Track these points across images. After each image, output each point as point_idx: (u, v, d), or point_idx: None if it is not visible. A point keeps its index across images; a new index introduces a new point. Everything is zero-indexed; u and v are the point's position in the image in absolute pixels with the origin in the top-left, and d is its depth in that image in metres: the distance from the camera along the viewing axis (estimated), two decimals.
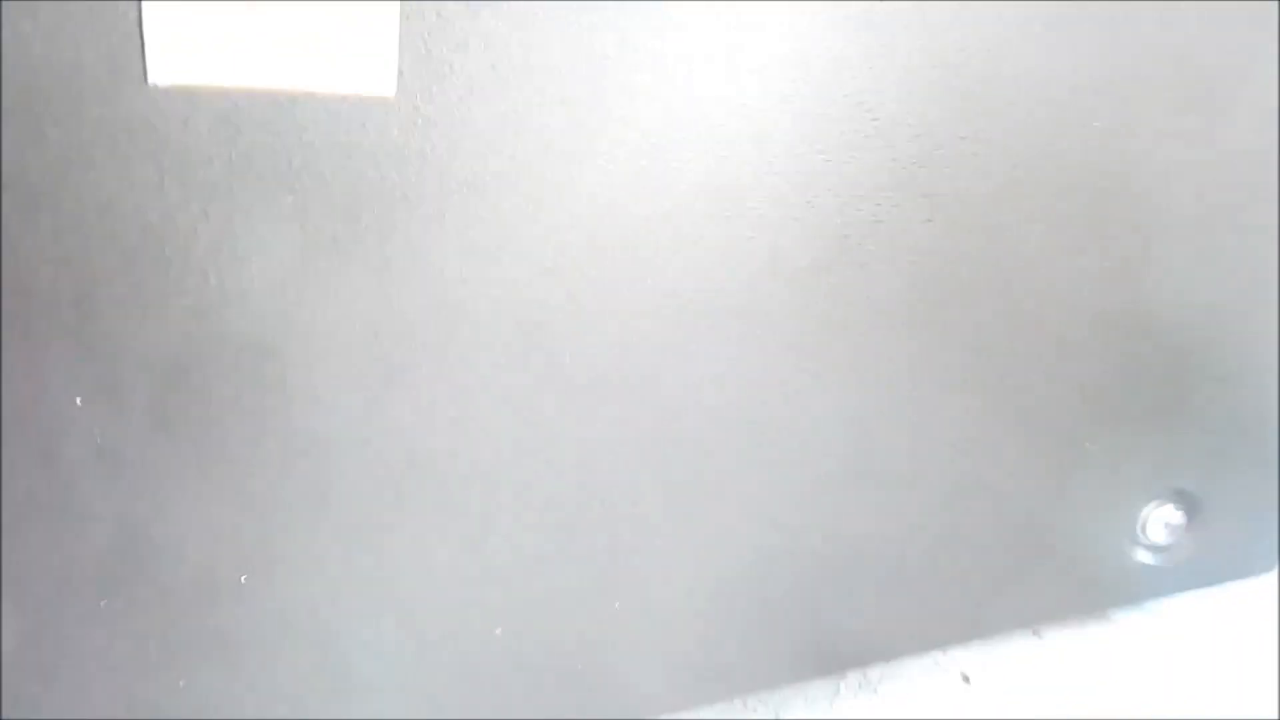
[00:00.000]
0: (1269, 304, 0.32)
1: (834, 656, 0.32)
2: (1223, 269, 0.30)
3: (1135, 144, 0.28)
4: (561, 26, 0.22)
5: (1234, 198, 0.30)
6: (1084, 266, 0.28)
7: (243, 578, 0.24)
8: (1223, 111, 0.28)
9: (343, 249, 0.22)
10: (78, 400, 0.22)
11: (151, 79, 0.20)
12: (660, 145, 0.24)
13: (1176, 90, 0.28)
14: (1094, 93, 0.27)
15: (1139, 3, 0.26)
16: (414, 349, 0.24)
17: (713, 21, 0.23)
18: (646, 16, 0.23)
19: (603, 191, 0.24)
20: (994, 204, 0.27)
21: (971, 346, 0.28)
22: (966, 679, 0.34)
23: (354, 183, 0.22)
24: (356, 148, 0.22)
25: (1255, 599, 0.37)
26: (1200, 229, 0.30)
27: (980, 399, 0.29)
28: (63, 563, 0.23)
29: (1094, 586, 0.34)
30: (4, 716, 0.22)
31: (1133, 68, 0.27)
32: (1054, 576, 0.33)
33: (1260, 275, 0.31)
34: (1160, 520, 0.33)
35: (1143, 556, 0.34)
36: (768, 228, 0.25)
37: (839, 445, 0.28)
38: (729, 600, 0.29)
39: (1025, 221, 0.27)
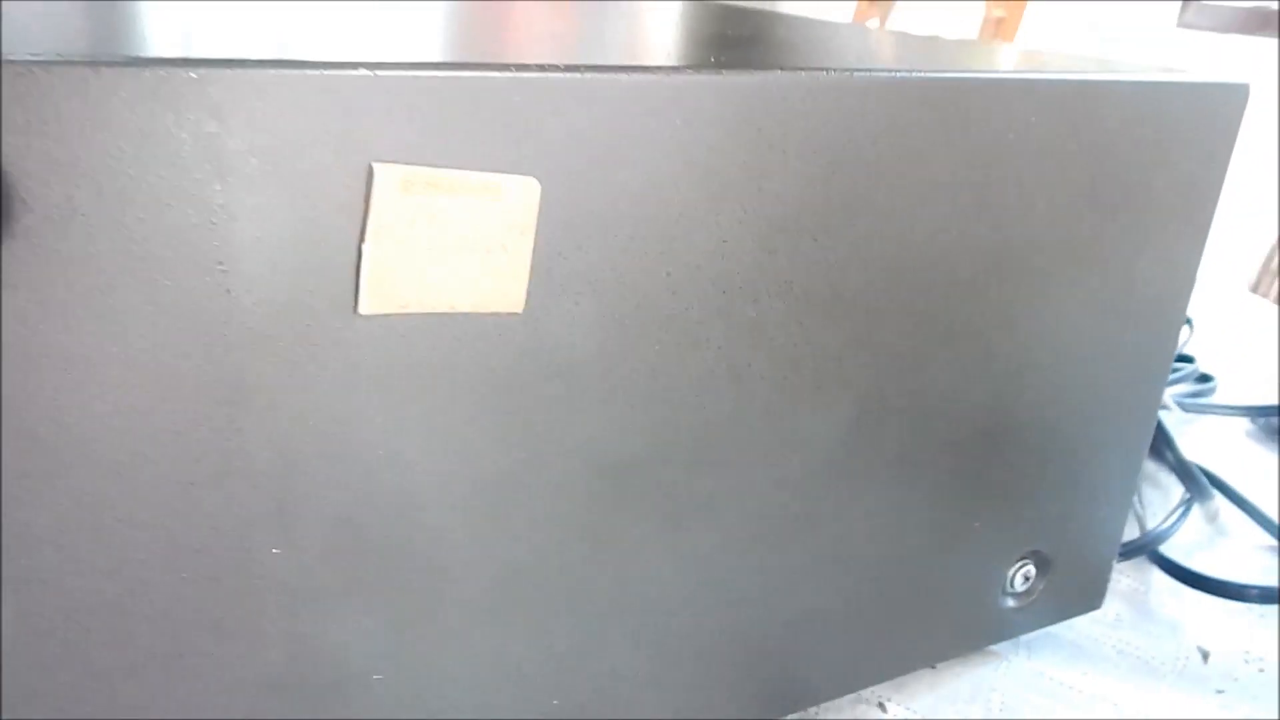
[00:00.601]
0: (1110, 393, 0.42)
1: (782, 700, 0.41)
2: (1076, 375, 0.40)
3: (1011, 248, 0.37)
4: None
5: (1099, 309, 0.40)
6: (961, 369, 0.37)
7: (375, 676, 0.31)
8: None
9: (482, 432, 0.29)
10: (274, 550, 0.28)
11: (361, 310, 0.27)
12: None
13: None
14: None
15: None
16: (527, 511, 0.31)
17: None
18: None
19: None
20: (867, 298, 0.33)
21: (875, 445, 0.37)
22: (883, 707, 0.43)
23: (490, 381, 0.29)
24: (494, 352, 0.29)
25: (1087, 629, 0.48)
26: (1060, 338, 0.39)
27: (889, 485, 0.38)
28: (244, 675, 0.29)
29: (975, 627, 0.44)
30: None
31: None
32: (944, 622, 0.43)
33: (1101, 375, 0.41)
34: (1021, 574, 0.44)
35: (1010, 602, 0.44)
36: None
37: (776, 522, 0.36)
38: (693, 654, 0.37)
39: (901, 318, 0.34)
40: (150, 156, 0.22)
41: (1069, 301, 0.38)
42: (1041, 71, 0.35)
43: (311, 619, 0.29)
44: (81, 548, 0.25)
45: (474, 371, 0.28)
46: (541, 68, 0.26)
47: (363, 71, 0.24)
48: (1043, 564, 0.44)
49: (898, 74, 0.32)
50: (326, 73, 0.24)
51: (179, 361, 0.24)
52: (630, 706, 0.35)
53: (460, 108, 0.25)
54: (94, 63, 0.21)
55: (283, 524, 0.27)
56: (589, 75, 0.27)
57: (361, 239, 0.26)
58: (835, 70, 0.30)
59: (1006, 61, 0.39)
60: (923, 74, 0.32)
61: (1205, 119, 0.38)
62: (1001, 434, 0.39)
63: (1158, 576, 0.51)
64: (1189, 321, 0.80)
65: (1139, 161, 0.37)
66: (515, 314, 0.29)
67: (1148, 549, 0.51)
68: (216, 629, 0.27)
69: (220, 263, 0.24)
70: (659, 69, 0.28)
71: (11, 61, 0.20)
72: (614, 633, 0.34)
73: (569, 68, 0.27)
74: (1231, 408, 0.69)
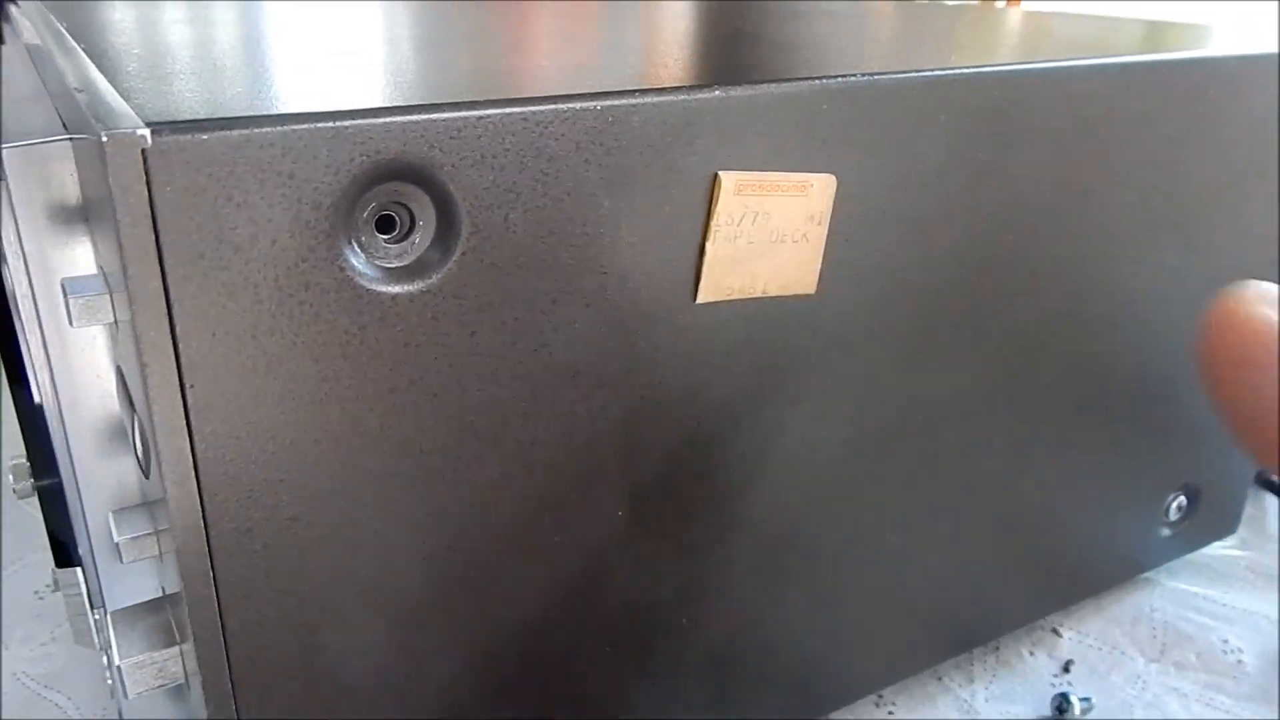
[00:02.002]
0: None
1: (974, 635, 0.45)
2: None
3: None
4: None
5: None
6: (1128, 331, 0.41)
7: (684, 620, 0.35)
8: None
9: (783, 401, 0.33)
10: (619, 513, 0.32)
11: (698, 299, 0.30)
12: None
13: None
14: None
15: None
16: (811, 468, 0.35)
17: None
18: None
19: None
20: (1067, 269, 0.38)
21: (1067, 402, 0.41)
22: (1057, 632, 0.48)
23: (787, 354, 0.33)
24: (791, 330, 0.33)
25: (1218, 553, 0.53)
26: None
27: (1077, 435, 0.42)
28: (590, 626, 0.33)
29: (1136, 556, 0.49)
30: None
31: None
32: (1111, 553, 0.47)
33: None
34: (1176, 505, 0.48)
35: (1165, 532, 0.49)
36: None
37: (992, 474, 0.40)
38: (919, 596, 0.40)
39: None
40: (559, 179, 0.26)
41: (1197, 262, 0.42)
42: (1177, 51, 0.39)
43: (647, 575, 0.32)
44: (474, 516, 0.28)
45: (776, 347, 0.32)
46: (844, 76, 0.30)
47: (716, 93, 0.28)
48: (1192, 495, 0.48)
49: (1118, 60, 0.35)
50: (685, 96, 0.27)
51: (566, 353, 0.28)
52: (868, 645, 0.39)
53: (782, 116, 0.29)
54: (527, 101, 0.25)
55: (629, 485, 0.31)
56: (879, 79, 0.30)
57: (704, 238, 0.29)
58: (1062, 62, 0.34)
59: (1131, 40, 0.43)
60: (1128, 59, 0.36)
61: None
62: (1158, 381, 0.43)
63: (1270, 501, 0.56)
64: None
65: (1233, 132, 0.41)
66: (810, 295, 0.32)
67: (1259, 478, 0.56)
68: (563, 580, 0.31)
69: (602, 267, 0.28)
70: (928, 70, 0.32)
71: (458, 111, 0.24)
72: (874, 579, 0.38)
73: (866, 74, 0.30)
74: None
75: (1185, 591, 0.49)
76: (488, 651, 0.30)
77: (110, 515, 0.28)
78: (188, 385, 0.22)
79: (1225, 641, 0.46)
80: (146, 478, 0.26)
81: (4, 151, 0.26)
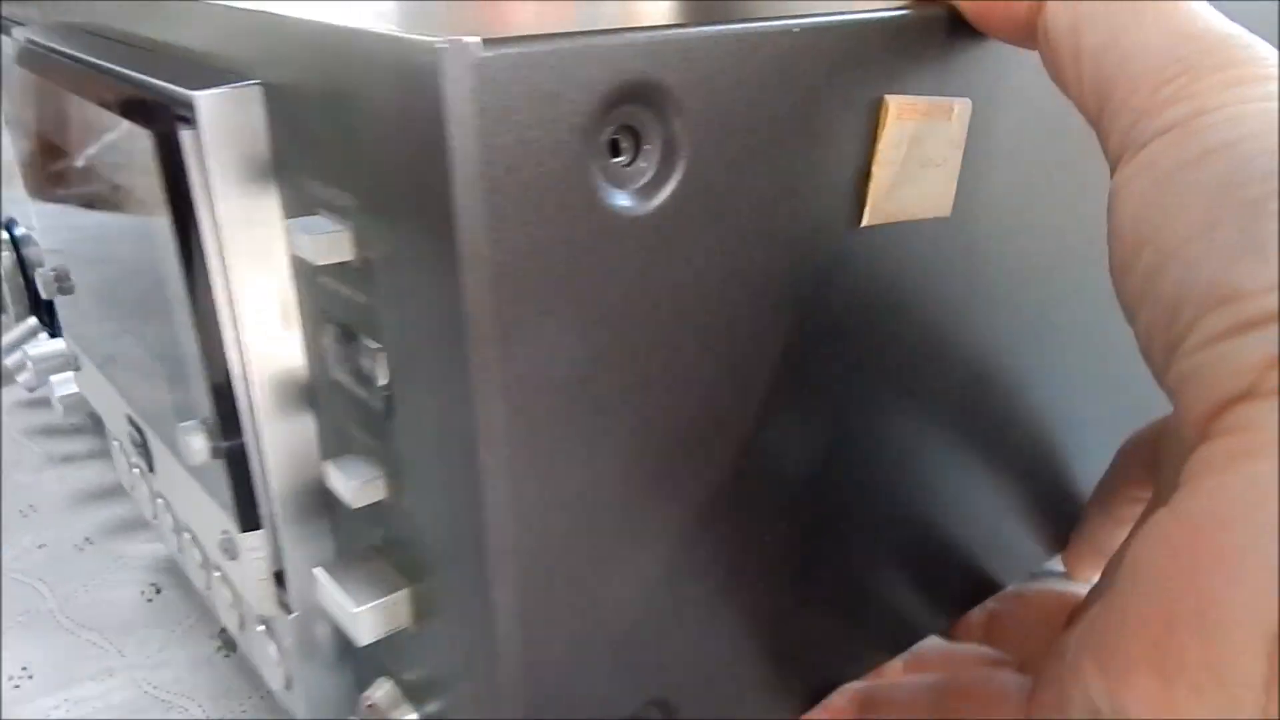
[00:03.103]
0: None
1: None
2: None
3: None
4: None
5: None
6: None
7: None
8: None
9: (925, 318, 0.35)
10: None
11: (863, 223, 0.31)
12: None
13: None
14: None
15: None
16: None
17: None
18: None
19: None
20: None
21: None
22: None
23: (928, 273, 0.34)
24: (929, 251, 0.34)
25: None
26: None
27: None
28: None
29: None
30: None
31: None
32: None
33: None
34: None
35: None
36: None
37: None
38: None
39: None
40: (761, 103, 0.27)
41: None
42: None
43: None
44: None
45: (919, 267, 0.33)
46: None
47: (876, 14, 0.29)
48: None
49: None
50: (863, 17, 0.28)
51: (761, 277, 0.29)
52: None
53: (924, 41, 0.30)
54: (741, 20, 0.26)
55: (805, 394, 0.32)
56: None
57: (870, 163, 0.31)
58: None
59: None
60: None
61: None
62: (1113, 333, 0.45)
63: None
64: None
65: None
66: (945, 218, 0.34)
67: None
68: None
69: (794, 193, 0.29)
70: None
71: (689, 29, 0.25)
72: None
73: None
74: None
75: None
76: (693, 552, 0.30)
77: (330, 464, 0.28)
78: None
79: None
80: (387, 418, 0.26)
81: (198, 98, 0.26)
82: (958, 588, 0.42)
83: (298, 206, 0.27)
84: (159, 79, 0.27)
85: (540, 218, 0.23)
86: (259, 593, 0.32)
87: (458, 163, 0.21)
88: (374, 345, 0.26)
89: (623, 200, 0.24)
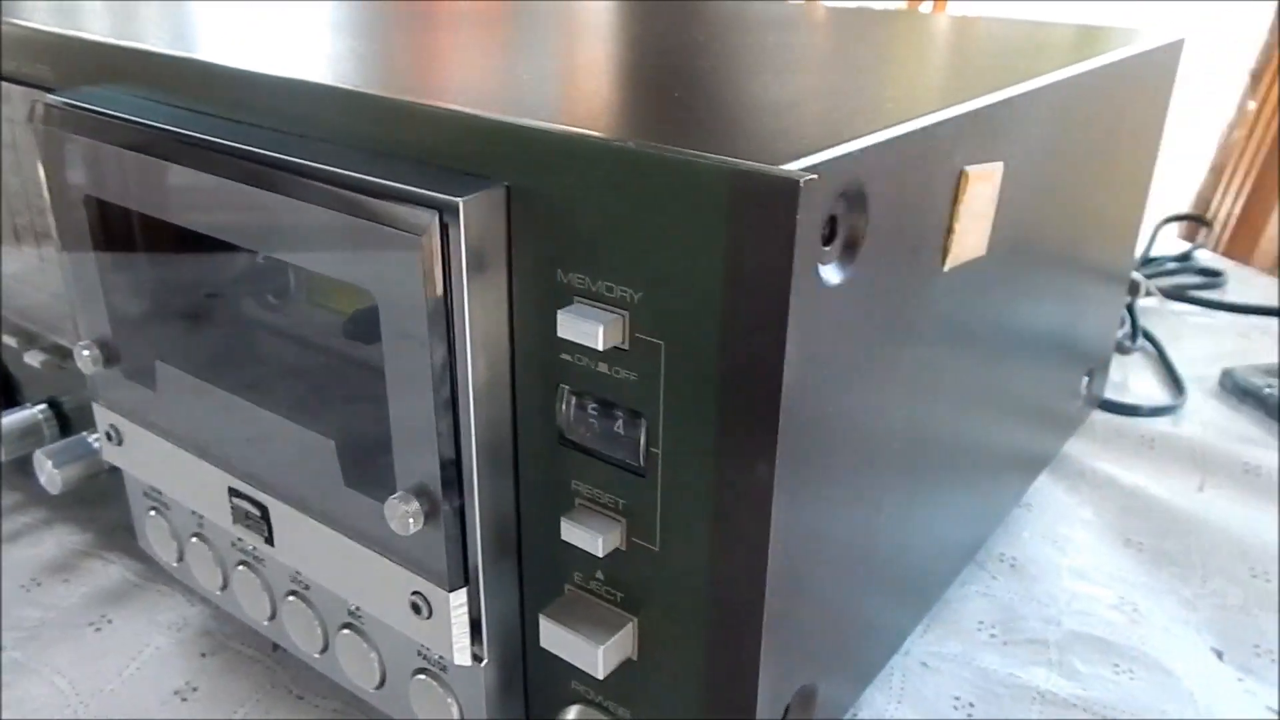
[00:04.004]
0: None
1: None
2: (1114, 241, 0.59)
3: None
4: None
5: None
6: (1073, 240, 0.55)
7: None
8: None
9: (976, 340, 0.42)
10: None
11: (945, 267, 0.38)
12: None
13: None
14: None
15: None
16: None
17: None
18: None
19: None
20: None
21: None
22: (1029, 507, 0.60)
23: (972, 298, 0.41)
24: (972, 284, 0.41)
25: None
26: None
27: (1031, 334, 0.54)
28: None
29: (1065, 428, 0.62)
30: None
31: None
32: (1052, 427, 0.60)
33: None
34: (1084, 382, 0.62)
35: (1079, 404, 0.62)
36: None
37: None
38: None
39: None
40: (911, 184, 0.32)
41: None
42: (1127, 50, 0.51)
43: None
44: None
45: (966, 298, 0.40)
46: (1014, 87, 0.39)
47: (968, 108, 0.35)
48: (1090, 373, 0.62)
49: (1104, 61, 0.47)
50: (961, 110, 0.34)
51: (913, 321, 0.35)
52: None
53: (985, 124, 0.37)
54: (915, 120, 0.31)
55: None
56: (1020, 91, 0.39)
57: (953, 218, 0.37)
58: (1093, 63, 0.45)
59: (1086, 44, 0.55)
60: (1108, 59, 0.47)
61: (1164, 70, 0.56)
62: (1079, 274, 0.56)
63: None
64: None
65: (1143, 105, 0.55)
66: (981, 256, 0.41)
67: None
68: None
69: (921, 253, 0.35)
70: (1034, 82, 0.41)
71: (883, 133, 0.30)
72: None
73: (1020, 86, 0.39)
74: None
75: (1100, 455, 0.63)
76: None
77: (568, 520, 0.31)
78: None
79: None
80: (644, 476, 0.30)
81: (462, 203, 0.29)
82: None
83: (539, 294, 0.30)
84: (407, 184, 0.30)
85: (800, 303, 0.27)
86: (457, 644, 0.34)
87: (796, 271, 0.25)
88: (635, 415, 0.29)
89: (829, 275, 0.29)
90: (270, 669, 0.48)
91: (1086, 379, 0.62)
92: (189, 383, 0.39)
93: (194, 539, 0.44)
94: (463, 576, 0.34)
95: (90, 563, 0.54)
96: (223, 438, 0.39)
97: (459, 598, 0.34)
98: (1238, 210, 1.49)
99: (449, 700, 0.37)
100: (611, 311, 0.29)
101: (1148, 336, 0.85)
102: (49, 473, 0.48)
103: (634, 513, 0.31)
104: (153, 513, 0.46)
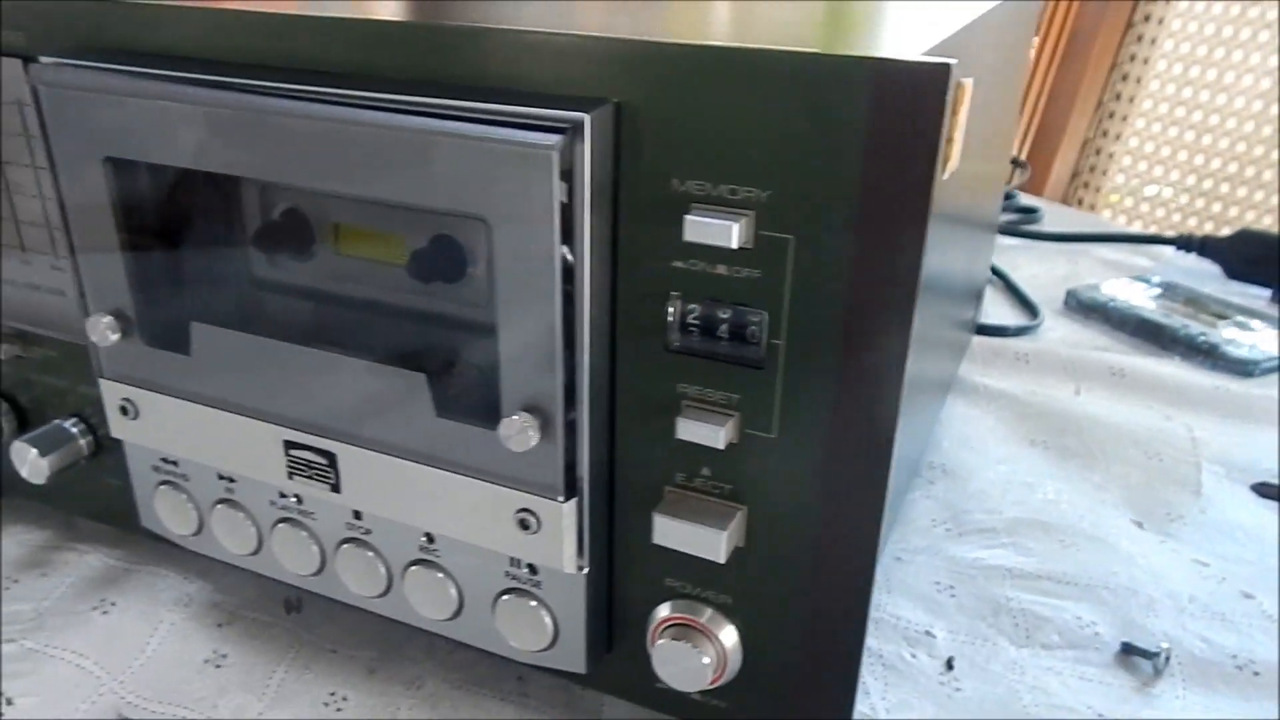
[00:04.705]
0: None
1: None
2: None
3: None
4: None
5: None
6: None
7: None
8: None
9: None
10: None
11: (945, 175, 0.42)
12: None
13: None
14: None
15: None
16: None
17: None
18: None
19: None
20: None
21: None
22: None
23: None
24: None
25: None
26: None
27: None
28: None
29: None
30: None
31: None
32: None
33: None
34: None
35: None
36: None
37: None
38: None
39: None
40: None
41: None
42: None
43: None
44: None
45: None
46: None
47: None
48: (977, 299, 0.68)
49: None
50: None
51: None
52: None
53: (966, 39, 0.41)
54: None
55: None
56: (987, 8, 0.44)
57: (953, 127, 0.41)
58: None
59: None
60: None
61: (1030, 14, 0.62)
62: (978, 203, 0.62)
63: None
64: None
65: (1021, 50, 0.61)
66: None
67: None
68: None
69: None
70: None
71: None
72: None
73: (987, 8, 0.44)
74: None
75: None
76: None
77: (683, 419, 0.34)
78: None
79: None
80: (764, 370, 0.33)
81: (587, 119, 0.31)
82: None
83: (650, 205, 0.32)
84: (527, 107, 0.31)
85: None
86: (566, 554, 0.36)
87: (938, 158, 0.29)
88: (755, 311, 0.32)
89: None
90: (289, 630, 0.47)
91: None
92: (235, 341, 0.39)
93: (220, 505, 0.43)
94: (573, 487, 0.35)
95: (63, 555, 0.52)
96: (278, 392, 0.39)
97: (570, 508, 0.35)
98: (1025, 152, 1.63)
99: (542, 613, 0.38)
100: (738, 213, 0.31)
101: (994, 269, 0.93)
102: (33, 462, 0.46)
103: (748, 405, 0.34)
104: (164, 487, 0.44)
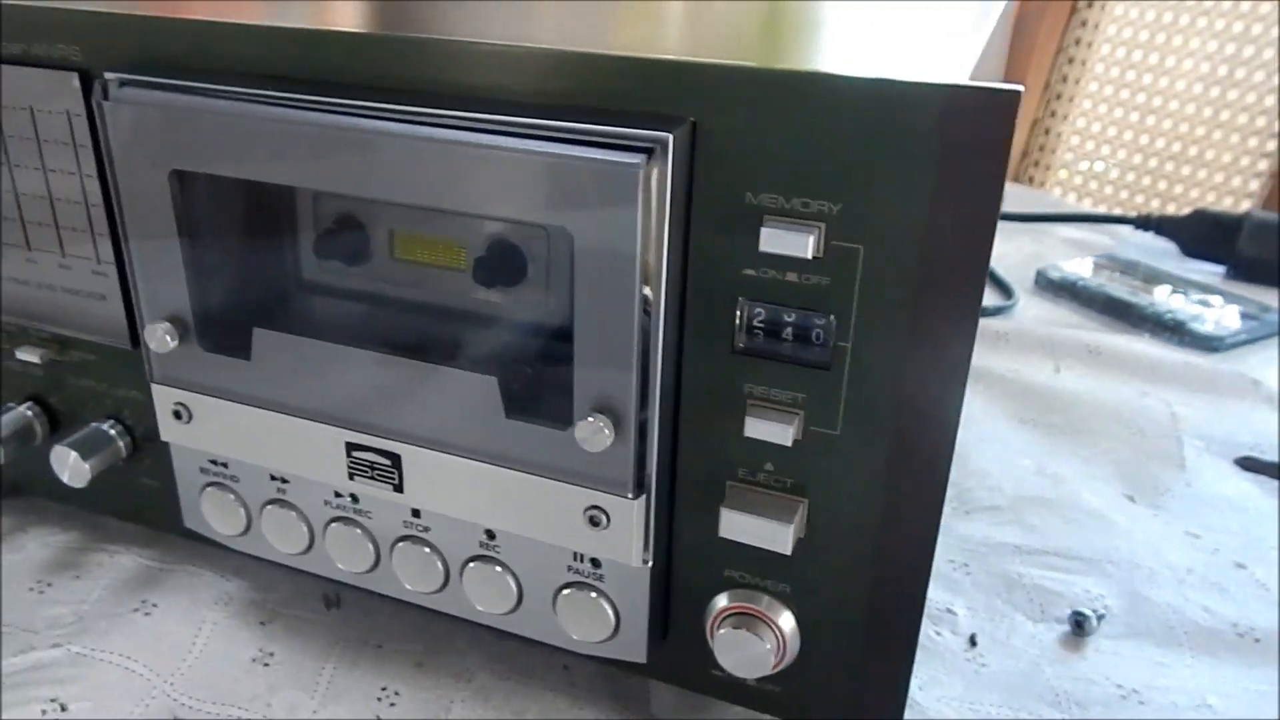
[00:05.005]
0: None
1: None
2: None
3: None
4: None
5: None
6: None
7: None
8: None
9: None
10: None
11: None
12: None
13: None
14: None
15: None
16: None
17: None
18: None
19: None
20: None
21: None
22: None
23: None
24: None
25: None
26: None
27: None
28: None
29: None
30: None
31: None
32: None
33: None
34: None
35: None
36: None
37: None
38: None
39: None
40: None
41: None
42: None
43: None
44: None
45: None
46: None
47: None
48: None
49: None
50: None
51: None
52: None
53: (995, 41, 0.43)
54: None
55: None
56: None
57: None
58: None
59: None
60: None
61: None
62: None
63: None
64: None
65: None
66: None
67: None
68: None
69: None
70: None
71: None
72: None
73: None
74: None
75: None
76: None
77: (751, 418, 0.35)
78: None
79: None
80: (830, 370, 0.35)
81: (670, 138, 0.32)
82: None
83: (723, 217, 0.34)
84: (612, 124, 0.33)
85: None
86: (634, 549, 0.38)
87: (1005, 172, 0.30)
88: (823, 316, 0.34)
89: None
90: (330, 626, 0.48)
91: None
92: (299, 345, 0.40)
93: (270, 505, 0.44)
94: (642, 484, 0.37)
95: (94, 557, 0.52)
96: (341, 395, 0.40)
97: (639, 505, 0.37)
98: None
99: (604, 605, 0.40)
100: (809, 224, 0.33)
101: None
102: (74, 466, 0.46)
103: (814, 404, 0.35)
104: (211, 488, 0.45)
